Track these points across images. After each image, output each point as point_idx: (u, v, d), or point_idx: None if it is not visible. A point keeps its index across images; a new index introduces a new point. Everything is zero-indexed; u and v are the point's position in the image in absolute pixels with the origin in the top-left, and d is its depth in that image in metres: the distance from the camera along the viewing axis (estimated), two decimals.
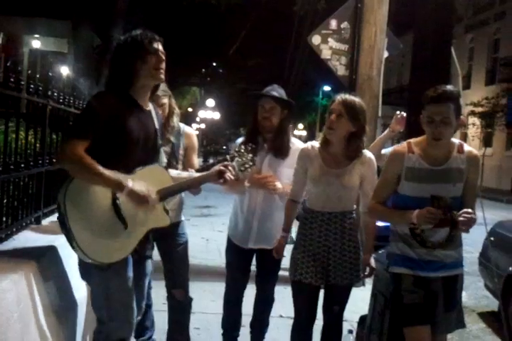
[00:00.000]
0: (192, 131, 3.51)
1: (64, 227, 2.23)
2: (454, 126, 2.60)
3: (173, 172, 2.75)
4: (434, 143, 2.62)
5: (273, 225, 3.40)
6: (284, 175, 3.34)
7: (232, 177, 2.59)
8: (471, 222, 2.46)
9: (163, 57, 2.43)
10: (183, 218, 3.48)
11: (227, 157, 2.72)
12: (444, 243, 2.57)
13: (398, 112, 3.73)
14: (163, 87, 3.09)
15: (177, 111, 3.36)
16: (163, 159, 2.56)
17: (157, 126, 2.52)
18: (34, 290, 2.32)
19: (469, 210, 2.48)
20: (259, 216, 3.41)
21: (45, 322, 2.37)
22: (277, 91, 3.39)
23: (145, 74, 2.39)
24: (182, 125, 3.42)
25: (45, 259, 2.57)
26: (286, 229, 3.19)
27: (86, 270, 2.37)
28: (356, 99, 2.96)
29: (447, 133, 2.60)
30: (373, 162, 3.02)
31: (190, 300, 3.49)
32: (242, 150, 2.73)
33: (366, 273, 3.03)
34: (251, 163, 2.71)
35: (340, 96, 2.94)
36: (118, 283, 2.34)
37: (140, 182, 2.31)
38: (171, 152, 3.31)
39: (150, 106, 2.52)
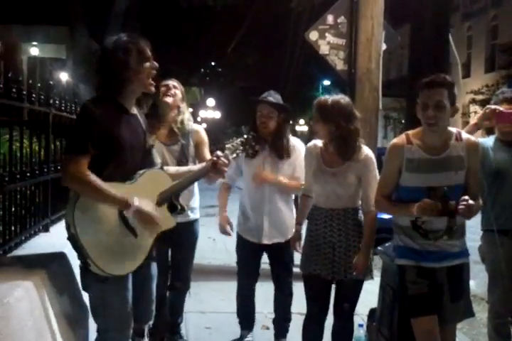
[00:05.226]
0: (199, 126, 3.61)
1: (76, 246, 2.24)
2: (448, 112, 2.59)
3: (171, 169, 2.83)
4: (429, 130, 2.62)
5: (283, 219, 3.61)
6: (286, 173, 3.58)
7: (225, 167, 2.62)
8: (469, 209, 2.45)
9: (156, 64, 2.42)
10: (198, 216, 3.62)
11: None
12: (444, 234, 2.57)
13: (488, 106, 3.31)
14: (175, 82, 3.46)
15: (187, 115, 3.51)
16: (157, 159, 2.59)
17: (144, 127, 2.52)
18: (45, 297, 2.34)
19: (466, 197, 2.47)
20: (269, 213, 3.59)
21: (58, 330, 2.39)
22: (273, 96, 3.60)
23: (137, 82, 2.36)
24: (190, 122, 3.53)
25: (54, 266, 2.59)
26: (299, 222, 3.29)
27: (85, 281, 2.38)
28: (330, 99, 2.98)
29: (441, 118, 2.58)
30: (371, 159, 3.03)
31: (188, 288, 3.64)
32: (232, 141, 2.79)
33: (355, 270, 2.98)
34: (241, 148, 2.75)
35: (316, 101, 3.03)
36: (115, 295, 2.34)
37: (146, 201, 2.33)
38: (180, 150, 3.43)
39: (134, 110, 2.50)
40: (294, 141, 3.67)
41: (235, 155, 2.72)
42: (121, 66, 2.31)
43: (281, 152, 3.55)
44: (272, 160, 3.58)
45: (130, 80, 2.34)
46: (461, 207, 2.44)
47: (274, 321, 3.76)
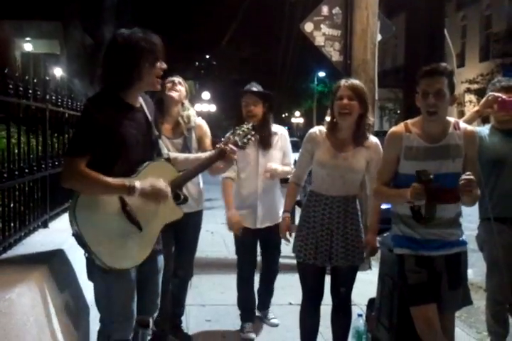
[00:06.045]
0: (202, 121, 3.67)
1: (81, 243, 2.25)
2: (448, 101, 2.61)
3: (180, 157, 2.97)
4: (429, 119, 2.63)
5: (274, 204, 3.80)
6: (276, 158, 3.76)
7: (233, 156, 2.63)
8: (471, 183, 2.39)
9: (165, 65, 2.36)
10: (202, 207, 3.67)
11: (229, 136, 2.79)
12: (429, 217, 2.51)
13: (491, 94, 3.28)
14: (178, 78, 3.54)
15: (193, 112, 3.60)
16: (164, 150, 2.58)
17: (150, 117, 2.46)
18: (47, 293, 2.36)
19: (468, 172, 2.45)
20: (262, 198, 3.74)
21: (60, 325, 2.40)
22: (256, 87, 3.76)
23: (147, 80, 2.31)
24: (194, 118, 3.60)
25: (55, 262, 2.61)
26: (288, 209, 3.30)
27: (91, 271, 2.40)
28: (359, 82, 3.07)
29: (442, 107, 2.60)
30: (379, 147, 3.06)
31: (191, 276, 3.71)
32: (241, 127, 2.76)
33: (368, 253, 3.11)
34: (253, 132, 2.73)
35: (345, 81, 3.02)
36: (119, 286, 2.35)
37: (146, 179, 2.30)
38: (183, 143, 3.50)
39: (140, 101, 2.44)
40: (278, 128, 3.84)
41: (245, 140, 2.69)
42: (131, 64, 2.25)
43: (269, 140, 3.73)
44: (264, 149, 3.73)
45: (138, 79, 2.29)
46: (462, 182, 2.40)
47: (257, 292, 4.00)
